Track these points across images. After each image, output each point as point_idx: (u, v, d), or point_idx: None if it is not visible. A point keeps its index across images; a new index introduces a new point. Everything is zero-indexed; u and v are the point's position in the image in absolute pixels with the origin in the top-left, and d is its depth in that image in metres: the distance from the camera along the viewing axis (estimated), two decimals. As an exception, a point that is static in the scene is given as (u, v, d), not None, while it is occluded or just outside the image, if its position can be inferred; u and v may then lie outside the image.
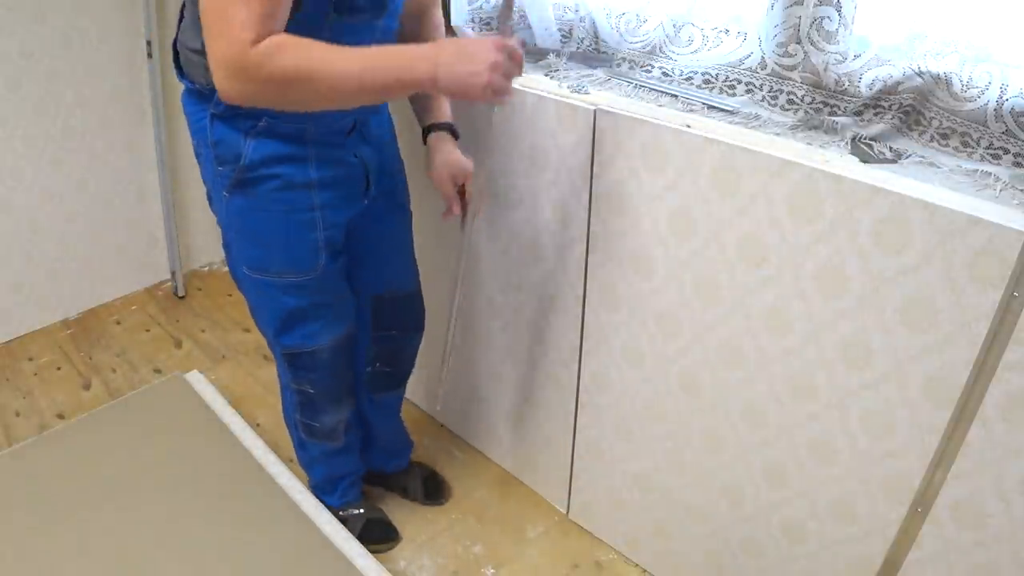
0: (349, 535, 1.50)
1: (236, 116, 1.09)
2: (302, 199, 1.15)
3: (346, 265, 1.31)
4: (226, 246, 1.26)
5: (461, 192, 1.27)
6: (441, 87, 0.97)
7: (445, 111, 1.30)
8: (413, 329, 1.49)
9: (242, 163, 1.11)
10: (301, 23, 0.96)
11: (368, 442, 1.62)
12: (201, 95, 1.11)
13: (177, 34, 1.15)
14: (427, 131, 1.29)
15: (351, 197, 1.22)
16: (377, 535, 1.59)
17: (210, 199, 1.23)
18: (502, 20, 1.06)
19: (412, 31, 1.25)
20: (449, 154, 1.25)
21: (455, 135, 1.29)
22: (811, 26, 1.02)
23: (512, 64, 0.98)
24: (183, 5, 1.13)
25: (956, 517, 0.99)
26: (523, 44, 1.11)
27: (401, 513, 1.66)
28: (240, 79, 0.92)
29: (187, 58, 1.11)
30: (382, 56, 0.96)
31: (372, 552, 1.49)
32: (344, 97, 0.97)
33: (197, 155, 1.20)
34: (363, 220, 1.29)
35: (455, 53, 0.96)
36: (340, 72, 0.94)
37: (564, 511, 1.65)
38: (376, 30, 1.09)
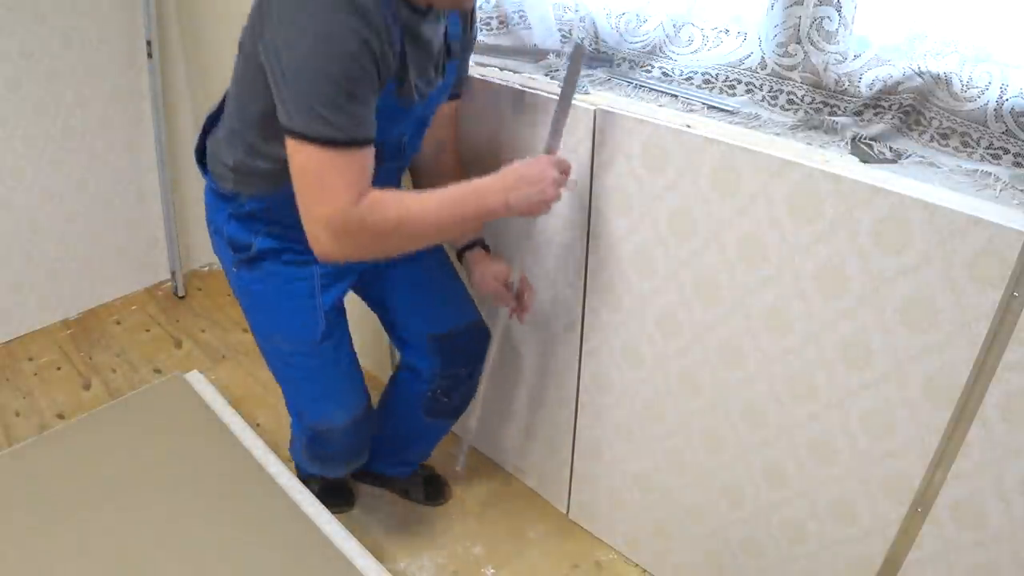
0: (349, 535, 1.50)
1: (252, 219, 1.18)
2: (303, 272, 1.22)
3: (348, 345, 1.32)
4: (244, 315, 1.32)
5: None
6: (513, 212, 1.08)
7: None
8: (479, 360, 1.44)
9: (252, 251, 1.20)
10: None
11: (391, 450, 1.61)
12: (223, 197, 1.19)
13: (205, 137, 1.23)
14: (462, 251, 1.34)
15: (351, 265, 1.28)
16: (333, 498, 1.65)
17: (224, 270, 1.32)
18: (552, 138, 1.14)
19: (434, 163, 1.34)
20: (487, 266, 1.31)
21: (487, 248, 1.35)
22: (811, 26, 1.02)
23: (563, 176, 1.11)
24: (216, 111, 1.22)
25: (956, 517, 0.99)
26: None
27: (402, 514, 1.66)
28: (343, 239, 0.98)
29: (216, 169, 1.19)
30: (461, 195, 1.05)
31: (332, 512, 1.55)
32: (432, 238, 1.08)
33: (210, 233, 1.28)
34: (386, 270, 1.34)
35: (519, 179, 1.07)
36: (430, 217, 1.03)
37: (564, 511, 1.65)
38: (393, 170, 1.22)
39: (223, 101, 1.20)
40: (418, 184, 1.37)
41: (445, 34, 1.13)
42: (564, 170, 1.12)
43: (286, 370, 1.31)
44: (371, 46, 0.92)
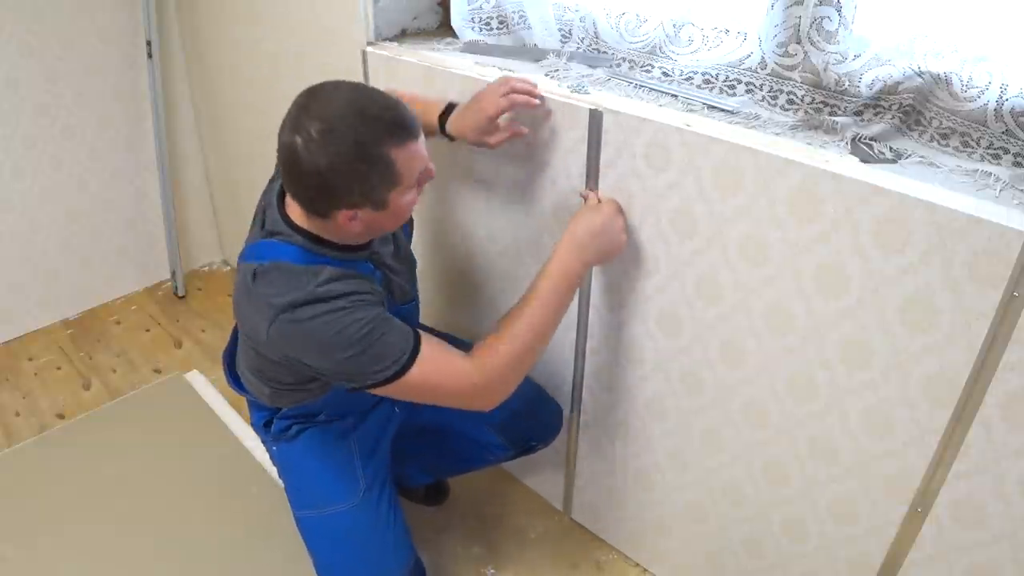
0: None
1: (296, 417, 1.26)
2: (336, 429, 1.27)
3: (392, 498, 1.30)
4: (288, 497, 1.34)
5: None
6: (595, 265, 1.16)
7: (434, 108, 1.24)
8: (552, 430, 1.43)
9: (290, 433, 1.28)
10: None
11: (435, 466, 1.57)
12: (265, 408, 1.28)
13: (232, 366, 1.32)
14: (444, 127, 1.22)
15: (384, 422, 1.33)
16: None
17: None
18: (590, 181, 1.22)
19: None
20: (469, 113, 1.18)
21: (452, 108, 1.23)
22: (811, 26, 1.03)
23: (624, 217, 1.16)
24: (232, 344, 1.31)
25: (956, 517, 1.00)
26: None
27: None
28: (496, 392, 1.08)
29: (252, 391, 1.26)
30: (550, 284, 1.09)
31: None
32: (551, 330, 1.11)
33: (252, 424, 1.37)
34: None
35: (591, 236, 1.11)
36: (536, 321, 1.08)
37: (564, 511, 1.65)
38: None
39: (235, 333, 1.28)
40: None
41: None
42: (620, 208, 1.16)
43: (334, 532, 1.25)
44: (374, 298, 1.03)
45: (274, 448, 1.32)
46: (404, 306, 1.21)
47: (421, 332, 1.05)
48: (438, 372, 1.04)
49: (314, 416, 1.26)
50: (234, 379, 1.31)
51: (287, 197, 1.06)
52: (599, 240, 1.12)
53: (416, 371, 1.02)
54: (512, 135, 1.18)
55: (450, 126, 1.21)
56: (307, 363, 1.03)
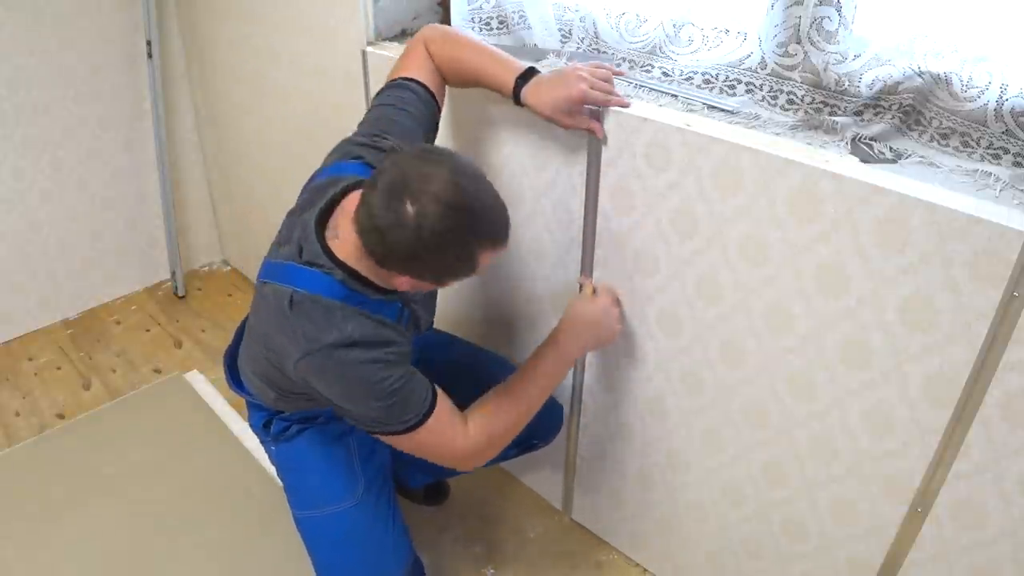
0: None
1: (297, 420, 1.28)
2: (334, 430, 1.28)
3: (391, 499, 1.31)
4: (288, 498, 1.34)
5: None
6: (590, 351, 1.26)
7: (511, 67, 1.16)
8: (554, 433, 1.43)
9: (289, 434, 1.29)
10: None
11: (436, 468, 1.57)
12: (263, 408, 1.29)
13: (233, 365, 1.33)
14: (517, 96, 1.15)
15: None
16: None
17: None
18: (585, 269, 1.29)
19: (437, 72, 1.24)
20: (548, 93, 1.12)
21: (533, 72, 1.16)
22: (811, 26, 1.03)
23: (619, 307, 1.25)
24: (234, 346, 1.33)
25: (956, 517, 1.00)
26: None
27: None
28: (482, 456, 1.14)
29: (255, 392, 1.26)
30: (550, 367, 1.18)
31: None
32: (537, 407, 1.19)
33: (251, 424, 1.37)
34: None
35: (587, 327, 1.20)
36: (531, 397, 1.17)
37: (564, 511, 1.65)
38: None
39: (239, 334, 1.29)
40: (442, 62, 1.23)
41: None
42: (618, 301, 1.25)
43: (335, 533, 1.27)
44: (404, 349, 1.06)
45: (273, 448, 1.32)
46: (421, 336, 1.22)
47: (438, 395, 1.08)
48: (436, 439, 1.09)
49: (314, 418, 1.27)
50: (234, 379, 1.31)
51: (329, 230, 1.05)
52: (595, 330, 1.21)
53: (422, 432, 1.06)
54: (588, 129, 1.14)
55: (527, 97, 1.13)
56: (328, 398, 1.05)
